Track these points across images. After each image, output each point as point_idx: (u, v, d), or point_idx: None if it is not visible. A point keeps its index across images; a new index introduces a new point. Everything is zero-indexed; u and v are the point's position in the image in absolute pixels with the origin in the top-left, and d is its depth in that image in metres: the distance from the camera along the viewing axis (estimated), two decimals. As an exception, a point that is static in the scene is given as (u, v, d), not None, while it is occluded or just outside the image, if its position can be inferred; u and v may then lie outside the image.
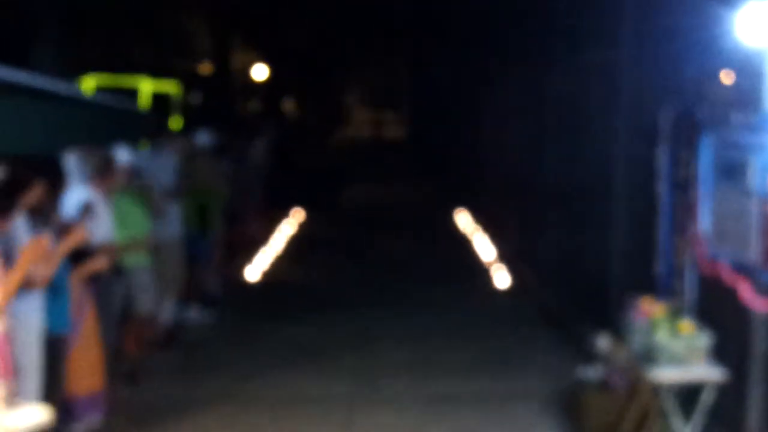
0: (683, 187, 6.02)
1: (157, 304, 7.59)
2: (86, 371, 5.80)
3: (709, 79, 6.21)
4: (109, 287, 6.26)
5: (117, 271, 6.45)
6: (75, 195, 5.98)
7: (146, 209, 7.17)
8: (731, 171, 5.31)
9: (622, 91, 7.20)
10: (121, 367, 6.85)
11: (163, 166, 8.15)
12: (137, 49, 23.71)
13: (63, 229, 5.25)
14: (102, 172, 6.25)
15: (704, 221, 5.63)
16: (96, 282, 5.84)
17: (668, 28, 6.55)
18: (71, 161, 6.17)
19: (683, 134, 6.03)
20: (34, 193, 4.95)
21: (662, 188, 6.24)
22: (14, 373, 4.51)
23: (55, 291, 5.05)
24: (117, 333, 6.59)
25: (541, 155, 10.32)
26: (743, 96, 5.42)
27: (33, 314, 4.90)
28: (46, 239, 4.62)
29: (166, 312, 8.06)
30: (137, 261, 7.03)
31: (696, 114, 5.87)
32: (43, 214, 5.13)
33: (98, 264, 5.71)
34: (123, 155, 6.94)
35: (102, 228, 6.10)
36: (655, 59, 6.78)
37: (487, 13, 14.89)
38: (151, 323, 7.25)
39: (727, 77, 6.06)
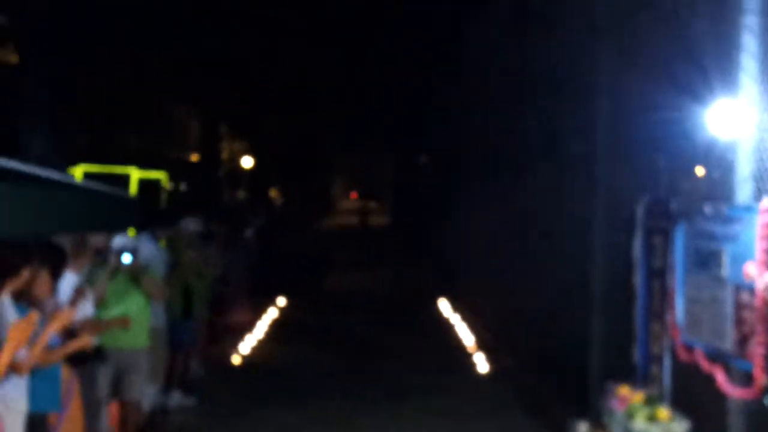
0: (659, 275, 6.16)
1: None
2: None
3: (682, 172, 6.41)
4: (92, 370, 6.29)
5: (100, 354, 6.47)
6: (66, 279, 6.08)
7: (142, 290, 7.22)
8: (705, 260, 5.44)
9: (598, 184, 7.40)
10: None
11: (151, 252, 8.25)
12: (126, 139, 24.03)
13: (53, 314, 5.31)
14: (75, 253, 6.36)
15: (680, 309, 5.74)
16: (81, 364, 5.86)
17: (642, 122, 6.78)
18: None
19: (658, 224, 6.20)
20: (22, 278, 5.02)
21: (638, 277, 6.38)
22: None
23: (42, 369, 5.07)
24: (101, 418, 6.58)
25: (520, 244, 10.50)
26: (716, 188, 5.60)
27: (19, 398, 4.92)
28: (33, 319, 4.65)
29: (149, 397, 8.05)
30: (134, 342, 7.05)
31: (670, 205, 6.05)
32: (32, 298, 5.17)
33: (81, 342, 5.62)
34: (116, 240, 7.08)
35: (81, 306, 6.17)
36: (630, 152, 7.01)
37: (466, 107, 15.29)
38: (136, 408, 7.22)
39: (699, 170, 6.26)
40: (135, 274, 7.17)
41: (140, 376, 7.17)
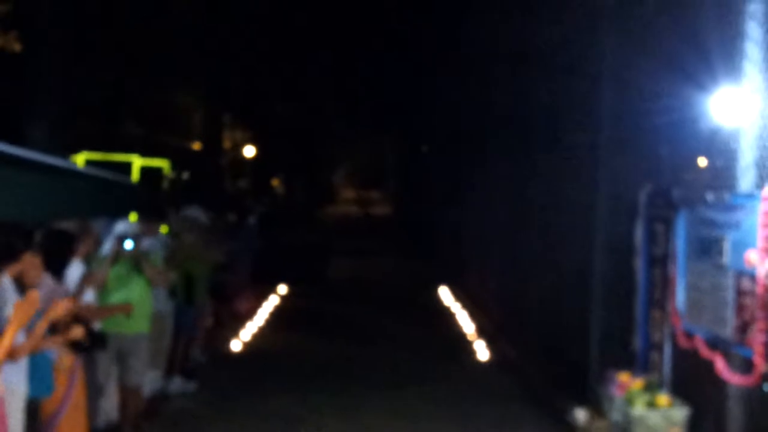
0: (660, 263, 6.16)
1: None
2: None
3: (684, 160, 6.40)
4: (94, 355, 6.30)
5: (101, 339, 6.46)
6: (73, 266, 6.12)
7: (144, 276, 7.21)
8: (707, 248, 5.44)
9: (600, 172, 7.40)
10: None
11: (152, 239, 8.21)
12: (129, 127, 24.03)
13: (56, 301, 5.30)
14: (79, 240, 6.38)
15: (680, 296, 5.75)
16: (84, 350, 5.86)
17: (645, 111, 6.77)
18: None
19: (660, 212, 6.20)
20: (22, 263, 5.02)
21: (639, 264, 6.38)
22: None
23: (33, 354, 5.07)
24: (103, 402, 6.60)
25: (522, 233, 10.50)
26: (718, 176, 5.59)
27: (19, 382, 4.93)
28: (34, 297, 4.65)
29: (150, 383, 8.05)
30: (135, 327, 7.05)
31: (672, 193, 6.05)
32: (22, 283, 5.14)
33: (75, 333, 5.54)
34: (118, 226, 7.07)
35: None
36: (633, 141, 6.99)
37: (468, 95, 15.26)
38: (136, 393, 7.23)
39: (702, 158, 6.25)
40: (137, 261, 7.16)
41: (141, 362, 7.16)
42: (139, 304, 7.08)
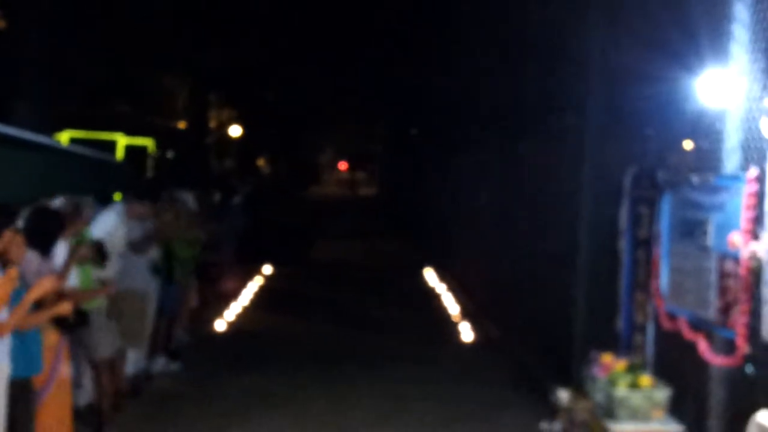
0: (644, 245, 6.18)
1: (121, 353, 7.49)
2: (58, 421, 5.77)
3: (670, 143, 6.41)
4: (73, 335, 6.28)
5: (84, 318, 6.41)
6: (59, 245, 6.09)
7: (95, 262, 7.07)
8: (691, 229, 5.45)
9: (587, 154, 7.40)
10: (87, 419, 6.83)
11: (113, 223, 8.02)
12: (114, 106, 23.91)
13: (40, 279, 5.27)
14: (69, 220, 6.33)
15: (664, 278, 5.77)
16: (69, 329, 5.84)
17: (632, 93, 6.77)
18: None
19: (644, 194, 6.21)
20: (3, 240, 4.98)
21: (624, 246, 6.39)
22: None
23: (22, 333, 5.05)
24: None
25: (508, 215, 10.51)
26: (703, 158, 5.60)
27: (2, 361, 4.91)
28: (13, 276, 4.61)
29: (132, 363, 8.02)
30: (90, 303, 6.96)
31: (657, 174, 6.06)
32: (5, 261, 5.11)
33: (62, 309, 5.46)
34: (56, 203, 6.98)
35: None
36: (619, 123, 7.00)
37: (460, 80, 15.23)
38: (113, 371, 7.16)
39: (688, 141, 6.26)
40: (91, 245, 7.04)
41: (100, 335, 6.91)
42: (85, 284, 6.95)
